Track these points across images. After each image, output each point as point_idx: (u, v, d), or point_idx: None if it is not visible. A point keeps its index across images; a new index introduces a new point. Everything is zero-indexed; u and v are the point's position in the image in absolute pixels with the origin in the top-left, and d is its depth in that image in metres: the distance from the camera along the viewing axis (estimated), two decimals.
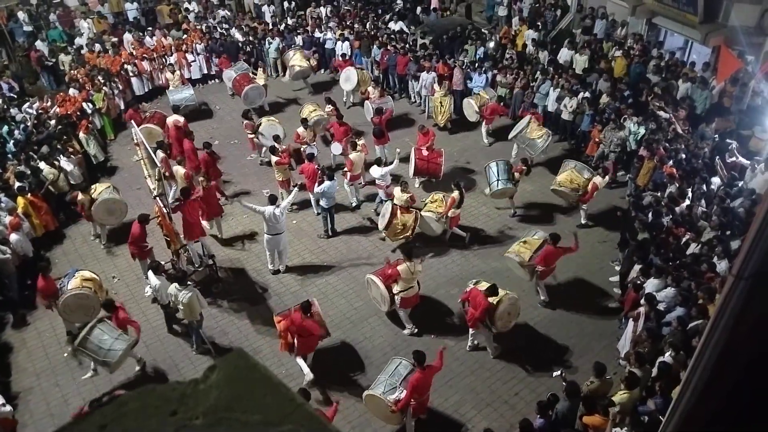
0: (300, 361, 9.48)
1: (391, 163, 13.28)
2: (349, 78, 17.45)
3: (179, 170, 12.95)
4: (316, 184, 12.30)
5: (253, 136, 14.87)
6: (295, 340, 9.26)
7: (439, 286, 11.41)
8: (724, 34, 14.62)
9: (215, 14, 22.07)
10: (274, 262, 11.90)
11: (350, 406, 9.20)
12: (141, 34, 20.35)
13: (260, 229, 11.94)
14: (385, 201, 12.78)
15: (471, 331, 9.94)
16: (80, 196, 12.40)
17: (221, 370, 1.46)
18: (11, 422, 8.66)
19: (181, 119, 14.87)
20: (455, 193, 11.90)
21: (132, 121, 14.25)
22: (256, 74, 17.77)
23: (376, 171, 12.85)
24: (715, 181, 11.77)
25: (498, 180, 12.86)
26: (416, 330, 10.39)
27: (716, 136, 13.05)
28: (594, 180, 12.39)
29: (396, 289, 9.93)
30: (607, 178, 12.66)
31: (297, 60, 18.36)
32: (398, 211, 11.80)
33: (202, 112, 17.93)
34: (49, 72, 19.47)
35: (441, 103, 16.09)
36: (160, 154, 13.26)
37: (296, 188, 12.12)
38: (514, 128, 14.59)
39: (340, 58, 18.41)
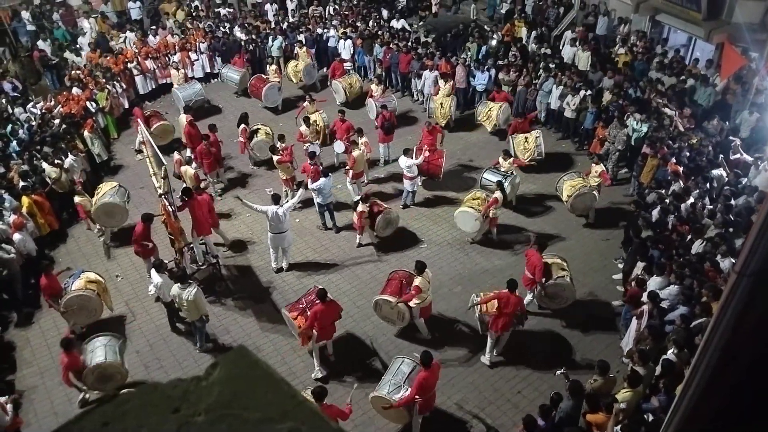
0: (316, 354, 9.62)
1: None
2: (336, 91, 17.90)
3: (188, 170, 12.96)
4: (310, 181, 12.38)
5: (244, 141, 14.84)
6: (315, 330, 9.31)
7: (442, 284, 11.40)
8: (728, 31, 14.57)
9: (200, 17, 21.86)
10: (278, 259, 11.92)
11: (353, 404, 9.19)
12: (143, 32, 20.39)
13: (263, 228, 11.96)
14: (412, 192, 13.35)
15: (493, 336, 9.68)
16: (78, 199, 12.44)
17: (223, 367, 1.46)
18: (16, 421, 8.68)
19: (184, 120, 14.85)
20: (498, 194, 11.84)
21: (139, 119, 14.31)
22: (267, 76, 17.91)
23: (403, 161, 12.96)
24: (716, 173, 11.74)
25: (504, 181, 12.81)
26: (430, 336, 10.36)
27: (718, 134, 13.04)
28: (598, 169, 12.54)
29: (413, 302, 9.85)
30: (601, 165, 12.79)
31: (294, 64, 18.65)
32: (376, 209, 12.04)
33: (207, 109, 17.96)
34: (53, 71, 19.50)
35: (442, 104, 16.03)
36: (176, 155, 13.33)
37: (301, 189, 12.14)
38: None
39: (336, 60, 18.51)
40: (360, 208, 11.81)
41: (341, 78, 17.87)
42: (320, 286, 10.06)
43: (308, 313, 9.43)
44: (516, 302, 9.30)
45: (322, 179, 12.11)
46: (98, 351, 9.23)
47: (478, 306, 9.71)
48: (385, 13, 21.42)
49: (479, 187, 13.14)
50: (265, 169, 15.04)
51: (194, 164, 13.36)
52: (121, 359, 9.36)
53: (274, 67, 18.14)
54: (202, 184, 12.55)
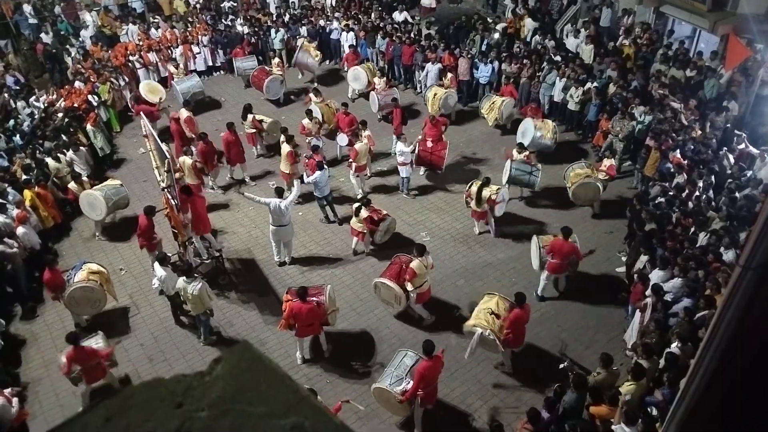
0: (299, 344, 9.77)
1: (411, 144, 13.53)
2: (358, 77, 17.30)
3: (186, 161, 12.96)
4: (305, 174, 12.37)
5: (254, 131, 14.86)
6: (296, 324, 9.43)
7: (445, 277, 11.40)
8: (733, 22, 14.47)
9: (202, 9, 21.76)
10: (280, 253, 11.93)
11: (356, 398, 9.22)
12: (146, 25, 20.34)
13: (266, 221, 11.96)
14: (406, 177, 13.50)
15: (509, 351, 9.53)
16: (72, 185, 12.47)
17: (227, 362, 1.46)
18: (22, 413, 8.72)
19: (184, 114, 14.83)
20: (473, 188, 11.89)
21: (141, 113, 14.30)
22: (270, 67, 17.89)
23: (400, 146, 13.16)
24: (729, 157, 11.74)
25: (530, 174, 12.80)
26: (434, 318, 10.43)
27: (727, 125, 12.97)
28: (607, 163, 12.59)
29: (410, 286, 9.91)
30: (613, 160, 12.80)
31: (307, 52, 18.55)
32: (377, 217, 11.71)
33: (208, 103, 17.95)
34: (55, 65, 19.50)
35: (435, 94, 15.98)
36: (163, 146, 13.29)
37: (297, 182, 12.11)
38: (521, 134, 14.38)
39: (349, 50, 18.32)
40: (365, 213, 11.55)
41: (360, 65, 17.55)
42: (324, 283, 10.11)
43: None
44: (528, 313, 9.24)
45: (318, 172, 12.11)
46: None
47: (489, 333, 9.08)
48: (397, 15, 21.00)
49: (508, 183, 13.01)
50: (270, 160, 15.04)
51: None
52: None
53: (276, 60, 18.10)
54: (177, 174, 12.53)
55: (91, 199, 12.47)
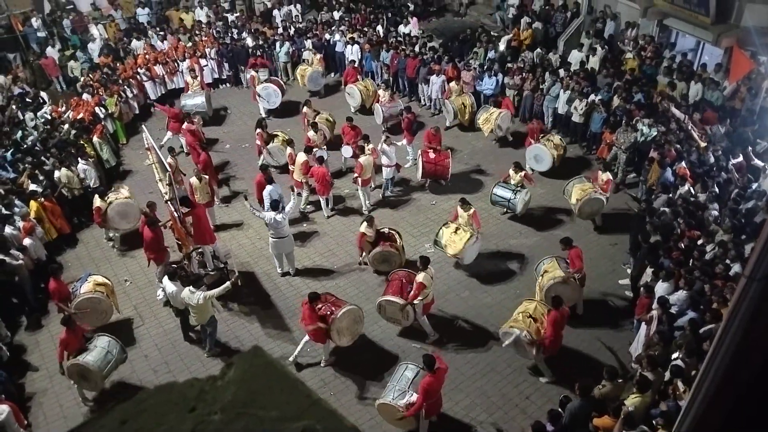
0: (303, 341, 9.68)
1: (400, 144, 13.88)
2: (352, 95, 17.80)
3: (194, 182, 12.98)
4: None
5: (261, 145, 14.97)
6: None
7: (449, 289, 11.39)
8: (737, 34, 14.53)
9: (209, 26, 21.89)
10: (283, 265, 11.94)
11: (361, 410, 9.18)
12: (148, 38, 20.49)
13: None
14: (389, 179, 13.99)
15: (542, 357, 9.49)
16: (98, 202, 12.51)
17: (238, 367, 1.48)
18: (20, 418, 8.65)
19: (192, 126, 14.98)
20: (459, 209, 11.87)
21: (143, 125, 14.41)
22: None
23: (385, 147, 13.48)
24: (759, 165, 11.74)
25: (509, 201, 12.85)
26: (437, 336, 10.36)
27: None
28: (604, 177, 12.47)
29: (417, 299, 9.87)
30: (609, 174, 12.72)
31: (303, 68, 18.78)
32: (390, 243, 11.58)
33: (214, 116, 18.04)
34: (63, 76, 19.70)
35: (464, 104, 16.27)
36: (170, 159, 13.40)
37: (299, 195, 12.11)
38: (534, 159, 14.40)
39: (349, 65, 18.46)
40: (362, 229, 11.42)
41: (355, 83, 17.82)
42: (354, 305, 9.94)
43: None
44: (565, 317, 9.24)
45: (268, 186, 12.23)
46: (94, 352, 9.18)
47: (526, 335, 9.15)
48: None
49: (490, 203, 13.16)
50: (277, 173, 15.11)
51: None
52: (105, 370, 8.91)
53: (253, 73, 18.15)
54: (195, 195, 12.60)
55: (123, 208, 12.55)
